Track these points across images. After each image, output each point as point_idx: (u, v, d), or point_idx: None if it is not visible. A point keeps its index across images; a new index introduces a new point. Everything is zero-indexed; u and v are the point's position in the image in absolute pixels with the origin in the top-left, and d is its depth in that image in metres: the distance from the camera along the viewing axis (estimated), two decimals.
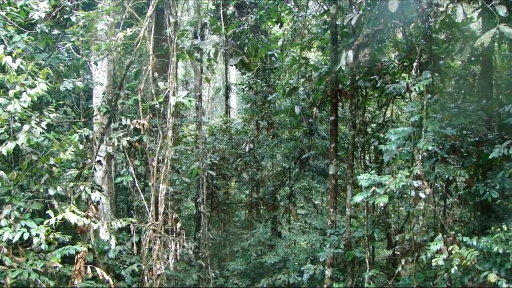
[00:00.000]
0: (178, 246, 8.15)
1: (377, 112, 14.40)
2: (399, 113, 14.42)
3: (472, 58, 10.45)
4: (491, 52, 9.47)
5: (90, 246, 7.76)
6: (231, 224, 15.11)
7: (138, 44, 8.09)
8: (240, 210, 16.26)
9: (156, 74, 8.34)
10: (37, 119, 7.08)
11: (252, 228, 13.60)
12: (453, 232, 7.61)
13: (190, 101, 7.98)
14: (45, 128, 7.13)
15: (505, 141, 7.79)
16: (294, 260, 11.96)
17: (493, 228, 7.38)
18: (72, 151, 7.50)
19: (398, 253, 11.00)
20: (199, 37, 11.89)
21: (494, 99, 9.60)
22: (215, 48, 9.67)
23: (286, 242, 12.61)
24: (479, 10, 8.99)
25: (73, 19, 8.73)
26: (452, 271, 7.09)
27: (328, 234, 10.68)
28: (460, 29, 8.75)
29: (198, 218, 13.46)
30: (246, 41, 13.09)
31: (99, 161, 8.75)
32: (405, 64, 10.75)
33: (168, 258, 8.03)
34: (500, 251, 6.84)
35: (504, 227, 7.03)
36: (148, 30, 8.15)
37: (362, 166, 13.66)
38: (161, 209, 8.02)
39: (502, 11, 6.39)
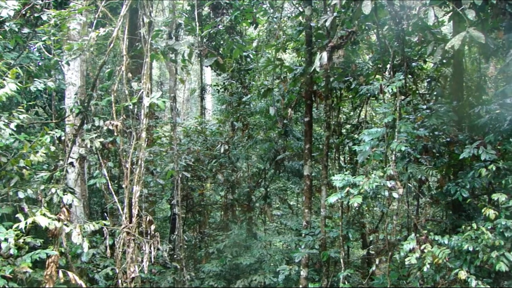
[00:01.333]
0: (152, 248, 8.07)
1: (351, 113, 14.54)
2: (373, 114, 14.59)
3: (444, 61, 10.65)
4: (461, 54, 9.67)
5: (62, 250, 7.61)
6: (207, 226, 15.05)
7: (112, 44, 7.99)
8: (216, 212, 16.22)
9: (130, 75, 8.25)
10: (6, 120, 6.94)
11: (228, 229, 13.57)
12: (425, 231, 7.74)
13: (164, 102, 7.91)
14: (15, 129, 6.99)
15: (475, 142, 7.97)
16: (269, 261, 11.97)
17: (463, 226, 7.53)
18: (44, 153, 7.36)
19: (373, 252, 11.14)
20: (173, 38, 11.81)
21: (465, 101, 9.79)
22: (190, 49, 9.61)
23: (261, 243, 12.62)
24: (450, 14, 9.16)
25: (44, 17, 8.57)
26: (425, 269, 7.20)
27: (303, 235, 10.74)
28: (432, 32, 8.89)
29: (173, 220, 13.37)
30: (221, 42, 13.08)
31: (71, 163, 8.61)
32: (378, 65, 10.88)
33: (142, 261, 7.94)
34: (470, 249, 6.99)
35: (474, 225, 7.17)
36: (122, 30, 8.06)
37: (337, 167, 13.77)
38: (135, 211, 7.92)
39: (471, 15, 6.53)
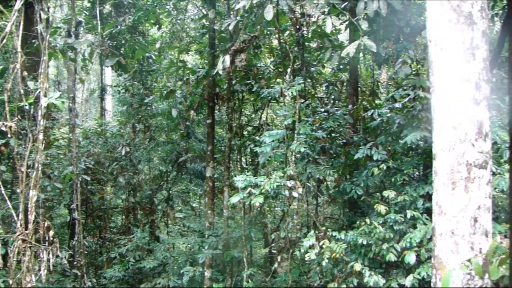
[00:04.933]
0: (50, 256, 7.73)
1: (253, 115, 14.85)
2: (274, 116, 15.00)
3: (341, 67, 11.26)
4: (356, 61, 10.27)
5: None
6: (108, 230, 14.62)
7: (4, 40, 7.55)
8: (117, 216, 15.80)
9: (25, 73, 7.85)
10: None
11: (130, 233, 13.29)
12: (324, 228, 8.13)
13: (63, 102, 7.64)
14: None
15: (368, 143, 8.51)
16: (173, 264, 11.89)
17: (358, 222, 8.02)
18: None
19: (275, 251, 11.47)
20: (73, 36, 11.40)
21: (359, 104, 10.41)
22: (90, 48, 9.35)
23: (164, 246, 12.49)
24: (346, 23, 9.72)
25: None
26: (324, 264, 7.57)
27: (206, 236, 10.81)
28: (330, 39, 9.38)
29: (72, 225, 12.86)
30: (123, 42, 12.78)
31: None
32: (279, 69, 11.24)
33: (39, 270, 7.58)
34: (364, 242, 7.45)
35: (367, 220, 7.67)
36: (16, 25, 7.64)
37: (239, 168, 13.99)
38: (31, 217, 7.53)
39: (364, 25, 7.04)
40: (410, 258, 6.79)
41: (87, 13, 13.28)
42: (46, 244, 7.75)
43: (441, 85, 4.43)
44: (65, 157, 12.43)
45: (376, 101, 11.66)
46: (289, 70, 9.15)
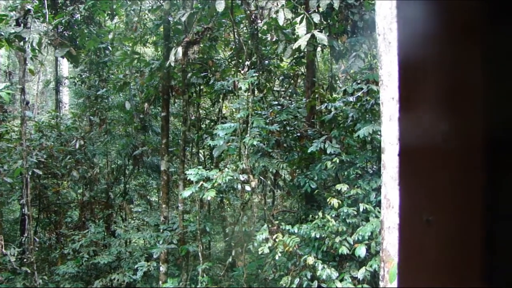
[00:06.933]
0: None
1: (212, 108, 14.72)
2: (233, 109, 14.88)
3: (298, 60, 11.24)
4: (311, 55, 10.27)
5: None
6: (63, 226, 14.24)
7: None
8: (73, 211, 15.43)
9: None
10: None
11: (85, 228, 12.99)
12: (277, 222, 8.12)
13: (9, 93, 7.37)
14: None
15: (323, 136, 8.53)
16: (129, 259, 11.69)
17: (311, 215, 8.04)
18: None
19: (234, 244, 11.43)
20: (21, 25, 10.97)
21: (313, 98, 10.44)
22: (40, 38, 9.03)
23: (120, 241, 12.27)
24: (301, 16, 9.70)
25: None
26: (277, 257, 7.56)
27: (161, 230, 10.67)
28: (284, 32, 9.33)
29: (22, 221, 12.47)
30: (78, 32, 12.37)
31: None
32: (235, 62, 11.15)
33: None
34: (318, 236, 7.48)
35: (321, 214, 7.69)
36: None
37: (196, 162, 13.86)
38: None
39: (316, 18, 7.03)
40: (361, 251, 6.86)
41: (37, 1, 12.78)
42: None
43: (389, 78, 4.43)
44: (16, 150, 12.02)
45: (334, 95, 11.70)
46: (247, 63, 9.06)
